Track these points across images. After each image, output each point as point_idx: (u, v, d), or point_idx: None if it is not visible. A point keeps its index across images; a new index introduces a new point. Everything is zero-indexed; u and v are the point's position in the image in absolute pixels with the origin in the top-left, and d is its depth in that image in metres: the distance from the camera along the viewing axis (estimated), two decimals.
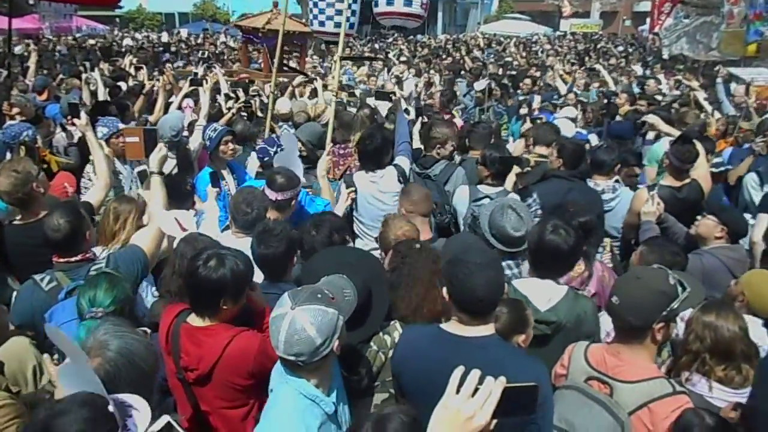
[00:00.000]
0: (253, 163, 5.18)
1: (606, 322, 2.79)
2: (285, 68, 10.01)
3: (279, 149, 4.58)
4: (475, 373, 1.38)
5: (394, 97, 5.22)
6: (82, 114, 4.16)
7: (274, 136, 5.44)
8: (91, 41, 21.33)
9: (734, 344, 2.37)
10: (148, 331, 2.40)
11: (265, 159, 4.70)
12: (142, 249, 2.86)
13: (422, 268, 2.66)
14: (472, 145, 5.22)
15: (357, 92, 9.01)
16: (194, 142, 5.32)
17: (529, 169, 4.24)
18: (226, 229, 3.67)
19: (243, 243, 3.08)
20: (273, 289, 2.75)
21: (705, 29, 17.54)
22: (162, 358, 2.42)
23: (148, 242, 2.91)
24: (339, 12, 5.02)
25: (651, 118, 5.66)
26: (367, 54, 16.33)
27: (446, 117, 7.08)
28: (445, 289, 2.23)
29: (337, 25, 5.03)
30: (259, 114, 6.89)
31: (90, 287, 2.37)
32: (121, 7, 24.30)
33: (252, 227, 3.28)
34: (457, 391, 1.36)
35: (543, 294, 2.77)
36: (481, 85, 8.76)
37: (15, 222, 3.47)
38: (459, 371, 1.41)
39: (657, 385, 2.16)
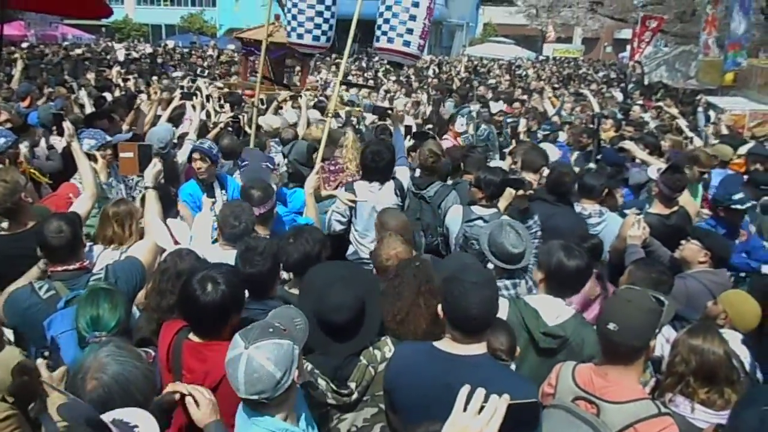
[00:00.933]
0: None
1: None
2: (283, 83, 10.06)
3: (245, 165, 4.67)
4: (481, 392, 1.44)
5: (391, 113, 5.31)
6: (67, 124, 4.10)
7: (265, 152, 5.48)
8: (78, 50, 21.20)
9: (718, 368, 2.43)
10: (152, 353, 2.40)
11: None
12: (140, 261, 2.86)
13: (408, 286, 2.69)
14: (467, 169, 5.27)
15: (359, 107, 9.14)
16: (183, 155, 5.33)
17: (532, 191, 4.28)
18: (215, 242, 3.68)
19: (230, 255, 3.07)
20: (259, 306, 2.74)
21: (684, 58, 18.06)
22: (160, 377, 2.42)
23: (146, 254, 2.93)
24: (318, 26, 5.01)
25: (627, 144, 5.80)
26: (362, 82, 16.54)
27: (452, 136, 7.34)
28: (440, 307, 2.26)
29: (315, 38, 5.03)
30: (248, 129, 6.90)
31: (91, 305, 2.32)
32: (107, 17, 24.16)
33: (240, 240, 3.29)
34: (464, 409, 1.43)
35: (552, 310, 2.84)
36: (497, 107, 8.93)
37: (1, 232, 3.43)
38: (465, 390, 1.47)
39: (643, 407, 2.20)
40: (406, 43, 4.64)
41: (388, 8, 4.64)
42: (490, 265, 3.69)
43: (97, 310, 2.28)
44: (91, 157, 4.06)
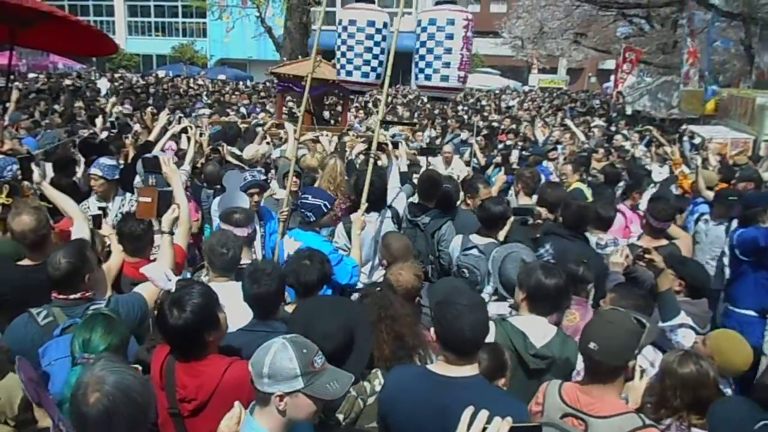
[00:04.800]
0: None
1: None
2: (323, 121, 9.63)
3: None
4: (484, 413, 1.50)
5: (386, 148, 5.42)
6: (36, 174, 4.03)
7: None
8: (68, 81, 21.33)
9: (711, 398, 2.49)
10: (140, 368, 2.45)
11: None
12: (144, 298, 2.90)
13: (370, 312, 2.72)
14: (469, 196, 5.35)
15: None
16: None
17: (540, 221, 4.35)
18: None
19: (226, 287, 3.12)
20: (263, 327, 2.81)
21: (666, 88, 18.51)
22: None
23: (151, 293, 2.96)
24: (367, 62, 4.85)
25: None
26: (406, 120, 16.31)
27: None
28: (432, 329, 2.32)
29: (364, 75, 4.87)
30: (229, 158, 6.92)
31: (86, 329, 2.36)
32: None
33: (231, 269, 3.35)
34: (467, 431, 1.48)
35: (538, 331, 2.91)
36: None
37: (23, 263, 3.41)
38: (469, 411, 1.53)
39: (628, 420, 2.28)
40: (444, 78, 4.51)
41: (423, 45, 4.55)
42: (485, 292, 3.79)
43: (90, 333, 2.31)
44: (97, 223, 4.02)
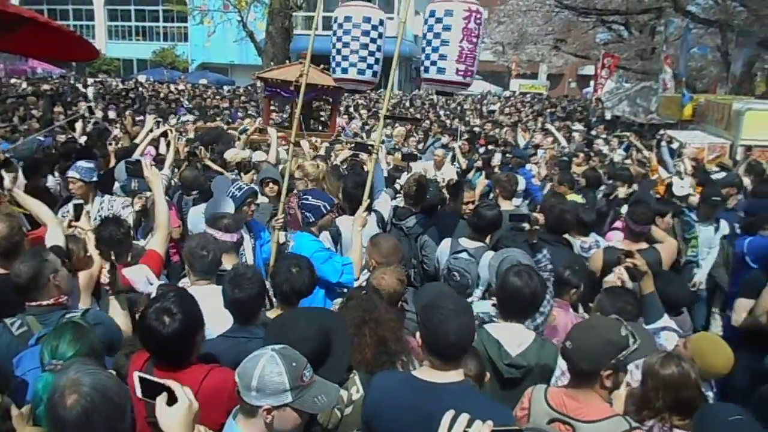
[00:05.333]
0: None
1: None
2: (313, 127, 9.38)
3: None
4: (465, 417, 1.49)
5: (371, 149, 5.42)
6: (6, 180, 4.02)
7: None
8: (46, 86, 21.04)
9: (694, 401, 2.48)
10: (113, 372, 2.41)
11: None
12: (118, 325, 2.90)
13: (353, 314, 2.71)
14: (452, 200, 5.37)
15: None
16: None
17: (537, 227, 4.35)
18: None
19: (206, 291, 3.10)
20: (243, 333, 2.79)
21: (644, 93, 18.77)
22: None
23: (123, 318, 2.98)
24: (363, 59, 4.77)
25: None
26: (410, 116, 15.87)
27: None
28: (418, 334, 2.31)
29: (360, 72, 4.80)
30: (209, 163, 6.86)
31: (55, 336, 2.33)
32: None
33: (211, 271, 3.33)
34: None
35: (514, 338, 2.88)
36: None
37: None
38: (450, 414, 1.53)
39: (615, 423, 2.29)
40: (441, 71, 4.40)
41: (424, 37, 4.49)
42: (474, 296, 3.80)
43: (59, 341, 2.28)
44: (77, 213, 3.94)
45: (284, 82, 9.10)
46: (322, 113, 10.79)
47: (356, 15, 4.69)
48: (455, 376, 2.23)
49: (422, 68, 4.59)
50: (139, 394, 1.98)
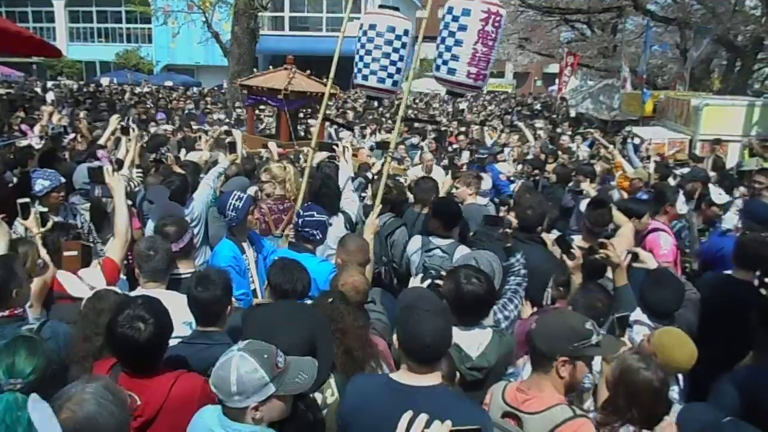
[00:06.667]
0: None
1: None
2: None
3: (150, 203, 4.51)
4: (422, 417, 1.51)
5: (337, 149, 5.42)
6: None
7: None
8: (1, 90, 20.49)
9: (659, 407, 2.47)
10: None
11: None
12: (70, 330, 2.78)
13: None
14: (418, 198, 5.34)
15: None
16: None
17: (509, 230, 4.35)
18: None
19: (156, 294, 2.96)
20: (204, 340, 2.75)
21: (607, 91, 19.17)
22: None
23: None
24: (384, 68, 4.76)
25: None
26: (426, 117, 15.42)
27: None
28: (395, 336, 2.30)
29: (380, 80, 4.77)
30: (176, 169, 6.74)
31: (8, 353, 2.20)
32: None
33: (160, 273, 3.26)
34: None
35: (473, 340, 2.87)
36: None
37: None
38: (407, 416, 1.54)
39: (559, 412, 2.30)
40: (451, 71, 4.29)
41: (439, 34, 4.34)
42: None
43: (13, 357, 2.15)
44: (24, 212, 3.76)
45: (271, 90, 8.64)
46: (310, 121, 10.48)
47: (381, 23, 4.70)
48: (432, 379, 2.22)
49: (434, 66, 4.53)
50: None
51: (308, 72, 8.85)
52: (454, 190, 5.83)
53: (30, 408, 1.67)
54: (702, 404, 2.79)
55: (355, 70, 4.87)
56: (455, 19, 4.25)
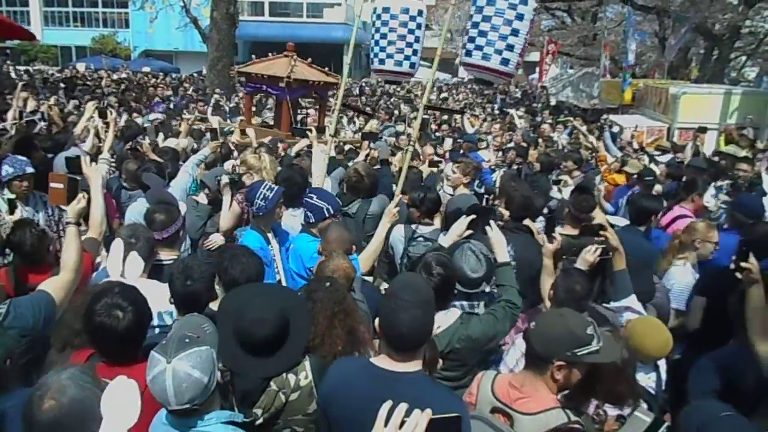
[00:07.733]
0: None
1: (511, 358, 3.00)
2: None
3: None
4: (402, 406, 1.50)
5: (310, 134, 5.37)
6: None
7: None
8: None
9: (618, 384, 2.46)
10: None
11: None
12: (49, 295, 2.68)
13: (322, 309, 2.64)
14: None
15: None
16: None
17: (501, 223, 4.28)
18: None
19: (136, 283, 2.92)
20: None
21: (587, 79, 19.32)
22: None
23: (58, 290, 2.74)
24: (400, 50, 4.72)
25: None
26: (450, 107, 15.19)
27: None
28: (377, 321, 2.27)
29: (398, 63, 4.74)
30: (151, 155, 6.66)
31: None
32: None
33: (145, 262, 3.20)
34: (385, 424, 1.49)
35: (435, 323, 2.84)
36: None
37: None
38: (387, 405, 1.52)
39: (553, 416, 2.24)
40: (505, 62, 4.04)
41: (486, 19, 3.99)
42: None
43: None
44: None
45: (271, 78, 8.34)
46: (310, 111, 10.30)
47: (395, 6, 4.67)
48: (412, 366, 2.20)
49: (472, 51, 4.15)
50: None
51: (309, 60, 8.73)
52: (451, 174, 5.82)
53: None
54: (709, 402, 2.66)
55: (371, 55, 4.87)
56: (512, 6, 4.00)
